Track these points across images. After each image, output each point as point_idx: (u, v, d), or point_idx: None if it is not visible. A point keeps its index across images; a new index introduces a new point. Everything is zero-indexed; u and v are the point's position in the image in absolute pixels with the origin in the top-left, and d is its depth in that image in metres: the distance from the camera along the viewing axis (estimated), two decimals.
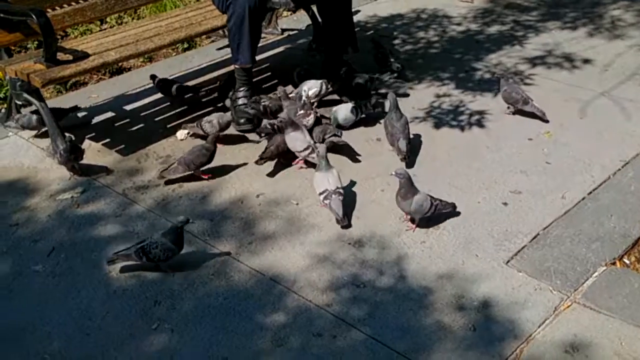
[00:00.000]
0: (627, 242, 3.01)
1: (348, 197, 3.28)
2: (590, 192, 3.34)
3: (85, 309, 2.76)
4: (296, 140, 3.48)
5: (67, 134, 3.68)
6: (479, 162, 3.61)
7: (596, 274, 2.83)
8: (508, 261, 2.92)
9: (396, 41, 5.11)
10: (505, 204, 3.28)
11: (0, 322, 2.72)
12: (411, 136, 3.69)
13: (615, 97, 4.21)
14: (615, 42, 4.97)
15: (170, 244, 2.88)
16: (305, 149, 3.47)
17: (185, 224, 2.92)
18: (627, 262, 2.93)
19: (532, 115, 3.92)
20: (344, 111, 3.88)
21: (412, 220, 3.15)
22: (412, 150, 3.65)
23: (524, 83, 4.40)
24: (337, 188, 3.19)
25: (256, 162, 3.58)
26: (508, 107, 4.00)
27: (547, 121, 3.88)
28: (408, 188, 3.09)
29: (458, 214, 3.18)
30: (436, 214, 3.11)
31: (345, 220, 3.14)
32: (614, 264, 2.90)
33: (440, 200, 3.13)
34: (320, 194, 3.20)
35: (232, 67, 4.09)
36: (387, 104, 3.79)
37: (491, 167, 3.57)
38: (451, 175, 3.51)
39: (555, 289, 2.76)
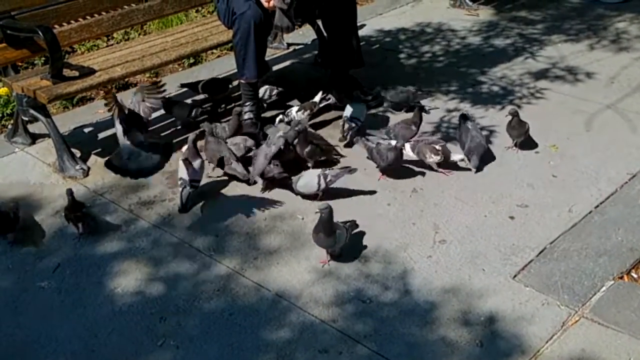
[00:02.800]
0: (634, 255, 2.99)
1: (353, 209, 3.29)
2: (597, 206, 3.32)
3: (90, 325, 2.76)
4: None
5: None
6: (485, 176, 3.60)
7: (604, 288, 2.81)
8: (515, 276, 2.91)
9: (401, 55, 5.11)
10: (511, 217, 3.27)
11: (5, 338, 2.72)
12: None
13: (621, 110, 4.19)
14: (621, 54, 4.96)
15: None
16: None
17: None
18: (635, 276, 2.91)
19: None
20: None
21: (332, 255, 3.04)
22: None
23: (530, 96, 4.40)
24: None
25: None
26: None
27: None
28: (326, 223, 2.91)
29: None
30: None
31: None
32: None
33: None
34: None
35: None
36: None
37: (497, 181, 3.55)
38: (457, 189, 3.50)
39: (562, 303, 2.75)
